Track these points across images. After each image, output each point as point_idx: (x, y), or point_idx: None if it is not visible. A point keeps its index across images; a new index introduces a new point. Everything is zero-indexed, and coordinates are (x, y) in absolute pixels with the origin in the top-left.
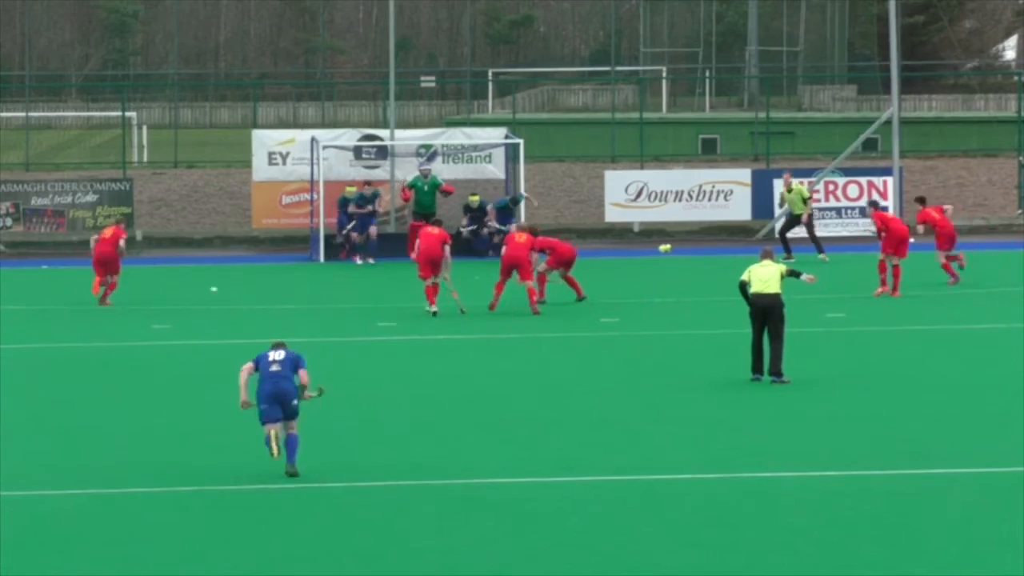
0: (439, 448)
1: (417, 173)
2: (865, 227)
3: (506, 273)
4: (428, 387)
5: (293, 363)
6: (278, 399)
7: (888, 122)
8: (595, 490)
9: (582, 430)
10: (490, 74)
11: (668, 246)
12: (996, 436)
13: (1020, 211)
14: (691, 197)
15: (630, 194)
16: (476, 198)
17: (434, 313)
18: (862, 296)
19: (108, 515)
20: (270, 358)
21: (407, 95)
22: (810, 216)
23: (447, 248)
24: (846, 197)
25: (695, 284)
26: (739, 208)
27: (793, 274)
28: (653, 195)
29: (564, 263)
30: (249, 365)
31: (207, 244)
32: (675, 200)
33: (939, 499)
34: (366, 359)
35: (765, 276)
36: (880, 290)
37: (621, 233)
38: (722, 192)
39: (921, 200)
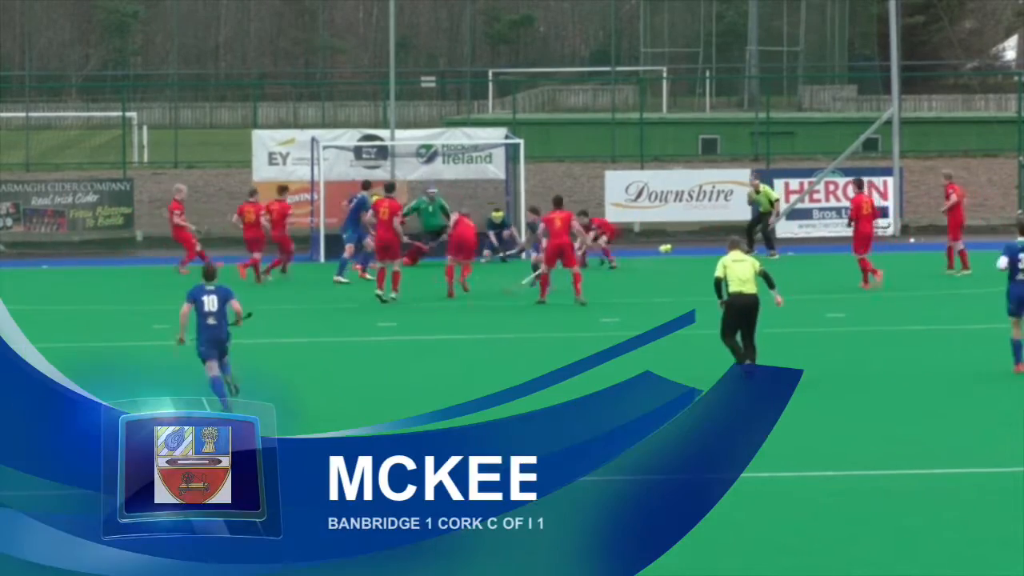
0: None
1: (424, 196)
2: None
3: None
4: (428, 387)
5: (224, 300)
6: (215, 344)
7: (888, 122)
8: None
9: None
10: (490, 74)
11: (668, 246)
12: (996, 436)
13: (1020, 211)
14: (691, 197)
15: (630, 194)
16: (500, 214)
17: (379, 297)
18: (862, 296)
19: None
20: (205, 307)
21: (407, 95)
22: (769, 216)
23: (396, 221)
24: (846, 197)
25: (695, 284)
26: (739, 208)
27: (766, 277)
28: (653, 195)
29: (550, 256)
30: (187, 307)
31: (207, 244)
32: (675, 200)
33: (939, 499)
34: (366, 359)
35: (744, 275)
36: (865, 284)
37: (621, 233)
38: (722, 192)
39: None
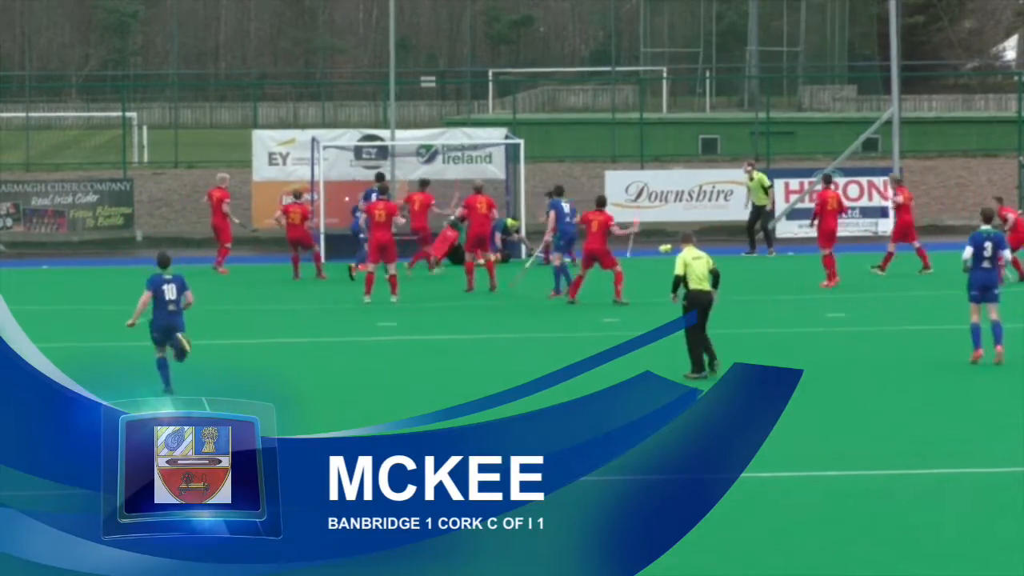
0: None
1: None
2: (865, 227)
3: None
4: (428, 387)
5: (181, 289)
6: (171, 330)
7: (888, 122)
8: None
9: None
10: (490, 74)
11: (668, 246)
12: (996, 436)
13: (1020, 211)
14: (691, 197)
15: (630, 194)
16: (515, 223)
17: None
18: (862, 296)
19: None
20: (166, 296)
21: (407, 95)
22: (766, 209)
23: (397, 220)
24: (846, 197)
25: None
26: (739, 208)
27: (716, 275)
28: (653, 195)
29: (584, 260)
30: (147, 295)
31: (207, 244)
32: (675, 200)
33: (939, 499)
34: (366, 359)
35: (702, 273)
36: (828, 283)
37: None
38: (722, 192)
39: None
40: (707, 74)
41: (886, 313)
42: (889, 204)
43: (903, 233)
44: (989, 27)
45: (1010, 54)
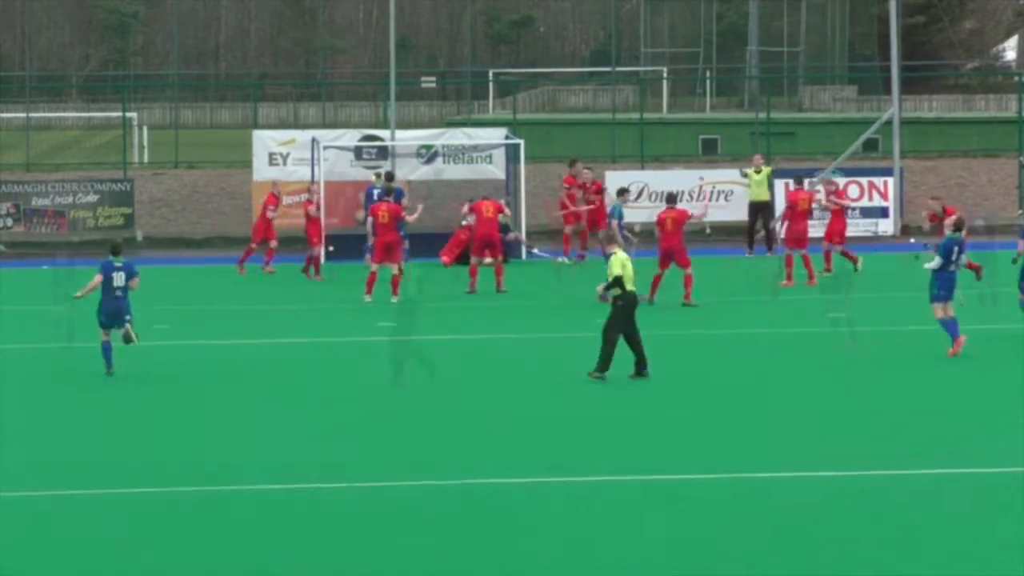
0: (438, 448)
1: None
2: (866, 228)
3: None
4: (427, 387)
5: (129, 276)
6: (116, 315)
7: (888, 122)
8: (595, 490)
9: (582, 430)
10: (490, 74)
11: None
12: (995, 436)
13: (1020, 211)
14: (691, 197)
15: (630, 194)
16: (506, 216)
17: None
18: (862, 296)
19: (107, 515)
20: (114, 283)
21: (407, 95)
22: (766, 209)
23: (401, 226)
24: (847, 198)
25: (696, 284)
26: (739, 208)
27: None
28: (653, 195)
29: (661, 258)
30: (99, 279)
31: (207, 244)
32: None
33: (939, 499)
34: (366, 359)
35: (632, 274)
36: (785, 283)
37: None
38: (722, 192)
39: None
40: (707, 74)
41: (886, 313)
42: (829, 206)
43: (838, 234)
44: (989, 27)
45: (1010, 54)
